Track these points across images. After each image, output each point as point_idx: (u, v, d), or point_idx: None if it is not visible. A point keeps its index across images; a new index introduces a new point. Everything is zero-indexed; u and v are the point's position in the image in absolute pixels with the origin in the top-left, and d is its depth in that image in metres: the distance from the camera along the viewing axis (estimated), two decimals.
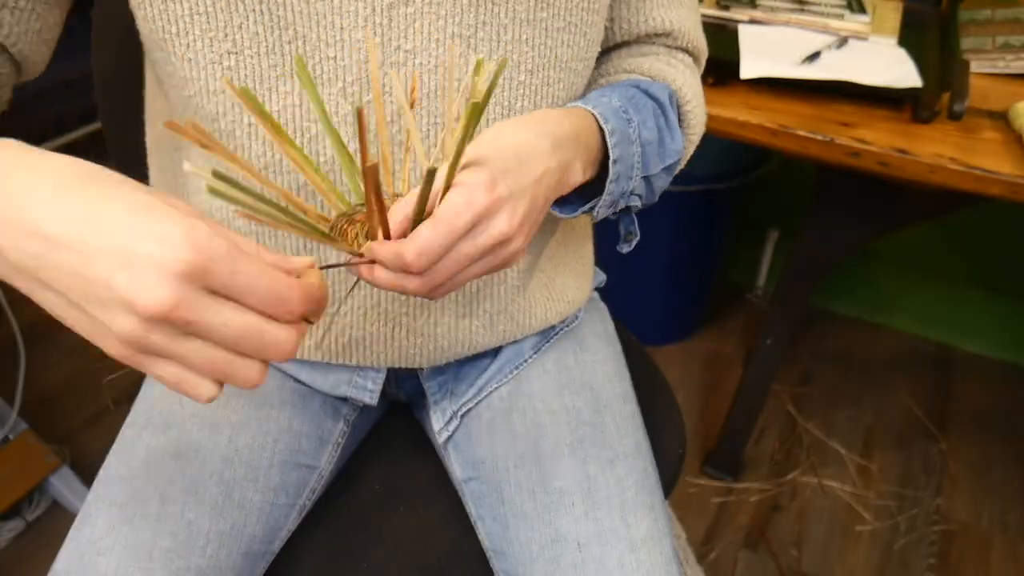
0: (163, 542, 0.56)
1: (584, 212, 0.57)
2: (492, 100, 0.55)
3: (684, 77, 0.62)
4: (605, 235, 0.79)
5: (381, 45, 0.51)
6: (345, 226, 0.45)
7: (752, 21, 1.11)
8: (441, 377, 0.69)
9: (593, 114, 0.53)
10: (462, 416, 0.68)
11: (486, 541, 0.65)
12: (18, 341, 1.18)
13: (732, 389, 1.36)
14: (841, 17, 1.10)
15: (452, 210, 0.42)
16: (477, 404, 0.68)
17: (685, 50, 0.66)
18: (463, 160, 0.44)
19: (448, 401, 0.69)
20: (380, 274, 0.44)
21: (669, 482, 0.74)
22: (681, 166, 0.63)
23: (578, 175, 0.52)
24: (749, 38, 1.06)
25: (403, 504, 0.70)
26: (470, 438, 0.67)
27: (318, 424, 0.68)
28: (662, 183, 0.60)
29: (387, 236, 0.43)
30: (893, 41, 1.07)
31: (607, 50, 0.65)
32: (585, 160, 0.52)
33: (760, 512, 1.40)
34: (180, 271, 0.31)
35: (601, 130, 0.53)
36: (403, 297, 0.60)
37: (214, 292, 0.33)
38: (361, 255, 0.44)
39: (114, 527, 0.56)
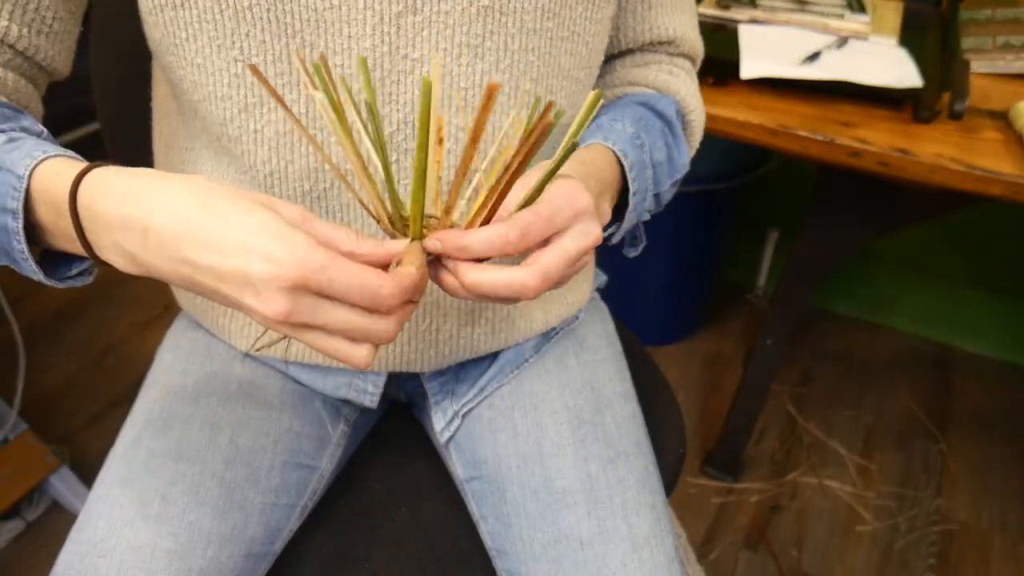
0: (164, 543, 0.56)
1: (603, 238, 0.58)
2: (496, 109, 0.55)
3: (687, 87, 0.63)
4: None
5: (389, 53, 0.51)
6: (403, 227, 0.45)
7: (752, 21, 1.11)
8: (442, 378, 0.69)
9: (615, 151, 0.55)
10: (463, 416, 0.68)
11: (488, 540, 0.65)
12: (18, 341, 1.18)
13: (732, 389, 1.36)
14: (841, 17, 1.10)
15: (555, 202, 0.43)
16: (478, 404, 0.68)
17: (685, 56, 0.67)
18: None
19: (449, 401, 0.69)
20: (472, 274, 0.43)
21: (670, 481, 0.74)
22: (684, 174, 0.65)
23: (606, 215, 0.54)
24: (749, 38, 1.06)
25: (404, 504, 0.70)
26: (472, 438, 0.67)
27: (319, 425, 0.68)
28: (669, 195, 0.62)
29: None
30: (893, 41, 1.07)
31: (610, 58, 0.66)
32: (610, 197, 0.55)
33: (760, 512, 1.40)
34: (287, 286, 0.37)
35: (620, 164, 0.55)
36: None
37: (321, 295, 0.38)
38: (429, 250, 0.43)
39: (115, 529, 0.56)
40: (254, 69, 0.41)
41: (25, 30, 0.50)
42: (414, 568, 0.65)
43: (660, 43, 0.64)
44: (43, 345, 1.59)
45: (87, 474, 1.31)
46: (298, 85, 0.52)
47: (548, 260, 0.44)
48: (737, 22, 1.11)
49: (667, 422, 0.79)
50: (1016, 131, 0.93)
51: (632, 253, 0.63)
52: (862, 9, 1.11)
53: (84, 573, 0.54)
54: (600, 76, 0.66)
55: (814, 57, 1.01)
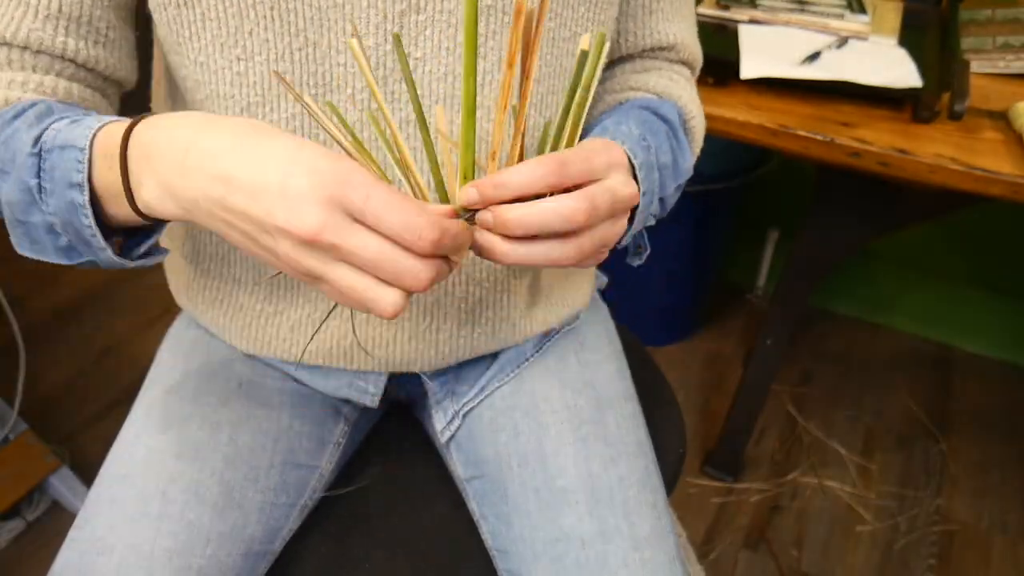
0: (164, 542, 0.56)
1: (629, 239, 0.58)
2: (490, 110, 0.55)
3: (687, 93, 0.63)
4: None
5: (391, 52, 0.52)
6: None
7: (752, 21, 1.11)
8: (442, 377, 0.69)
9: (624, 150, 0.53)
10: (464, 415, 0.68)
11: (489, 540, 0.65)
12: (18, 341, 1.18)
13: (732, 389, 1.37)
14: (841, 17, 1.10)
15: (590, 145, 0.43)
16: (479, 403, 0.68)
17: (684, 62, 0.67)
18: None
19: (450, 401, 0.69)
20: (516, 210, 0.41)
21: (670, 481, 0.74)
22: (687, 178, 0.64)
23: None
24: (749, 38, 1.06)
25: (404, 504, 0.70)
26: (472, 437, 0.67)
27: (319, 424, 0.68)
28: (673, 200, 0.61)
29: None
30: (893, 41, 1.07)
31: (611, 64, 0.66)
32: None
33: (760, 512, 1.40)
34: (325, 197, 0.36)
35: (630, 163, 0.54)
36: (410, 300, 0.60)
37: (355, 220, 0.37)
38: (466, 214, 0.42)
39: (115, 527, 0.56)
40: (279, 76, 0.41)
41: (82, 43, 0.52)
42: (414, 568, 0.65)
43: (660, 49, 0.65)
44: (43, 345, 1.59)
45: (87, 474, 1.31)
46: (300, 85, 0.52)
47: (595, 189, 0.42)
48: (737, 22, 1.11)
49: (667, 422, 0.79)
50: (1016, 131, 0.93)
51: (636, 262, 0.63)
52: (862, 9, 1.11)
53: (83, 571, 0.54)
54: (601, 82, 0.66)
55: (814, 57, 1.01)
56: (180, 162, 0.40)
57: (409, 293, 0.38)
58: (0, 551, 1.24)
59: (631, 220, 0.55)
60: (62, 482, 1.28)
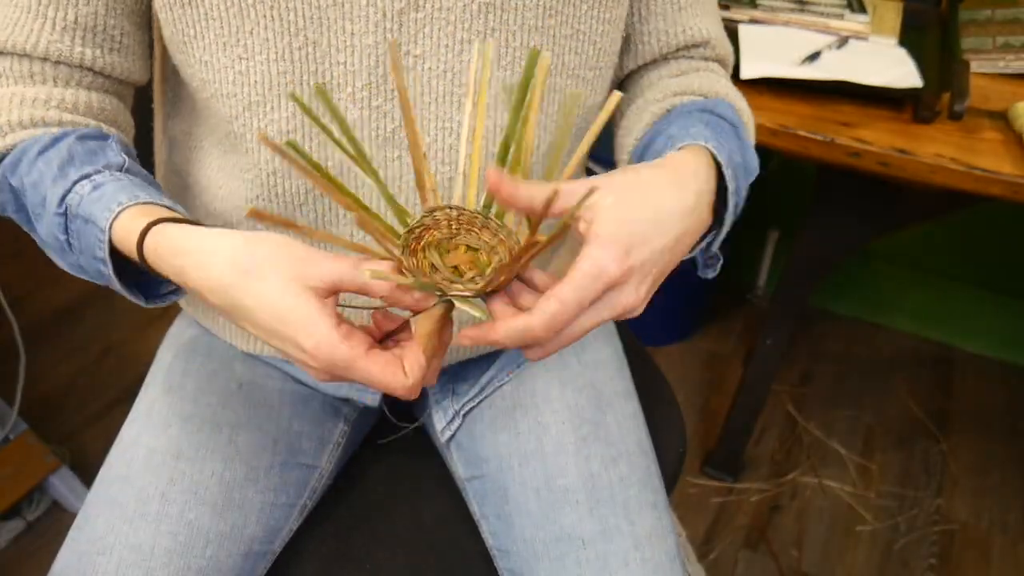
0: (163, 542, 0.56)
1: (701, 249, 0.55)
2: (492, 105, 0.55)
3: (732, 89, 0.61)
4: None
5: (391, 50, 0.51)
6: (414, 243, 0.43)
7: (752, 21, 1.11)
8: (443, 377, 0.69)
9: (709, 149, 0.51)
10: (464, 415, 0.68)
11: (490, 539, 0.65)
12: (18, 341, 1.18)
13: (732, 389, 1.37)
14: (841, 17, 1.10)
15: (581, 281, 0.41)
16: (479, 403, 0.68)
17: (717, 59, 0.65)
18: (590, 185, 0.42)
19: (450, 400, 0.69)
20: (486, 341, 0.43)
21: (670, 480, 0.74)
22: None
23: (708, 222, 0.50)
24: (749, 38, 1.06)
25: (405, 504, 0.70)
26: (473, 437, 0.67)
27: (319, 424, 0.68)
28: (743, 200, 0.58)
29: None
30: (893, 41, 1.07)
31: (643, 68, 0.64)
32: (711, 203, 0.51)
33: (760, 512, 1.40)
34: (319, 368, 0.42)
35: (716, 164, 0.51)
36: None
37: None
38: (440, 288, 0.43)
39: (114, 527, 0.56)
40: (264, 138, 0.41)
41: (99, 51, 0.53)
42: (414, 568, 0.65)
43: (694, 45, 0.63)
44: (43, 345, 1.59)
45: (87, 474, 1.31)
46: (300, 84, 0.52)
47: (555, 346, 0.43)
48: (737, 22, 1.11)
49: (667, 421, 0.79)
50: (1016, 131, 0.93)
51: (710, 274, 0.60)
52: (862, 9, 1.11)
53: (83, 571, 0.54)
54: (639, 93, 0.63)
55: (814, 57, 1.01)
56: (195, 291, 0.46)
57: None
58: (0, 551, 1.24)
59: (720, 225, 0.53)
60: (62, 482, 1.28)
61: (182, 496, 0.58)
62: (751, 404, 1.34)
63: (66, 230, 0.49)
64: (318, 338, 0.41)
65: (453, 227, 0.43)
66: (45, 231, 0.51)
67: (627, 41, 0.62)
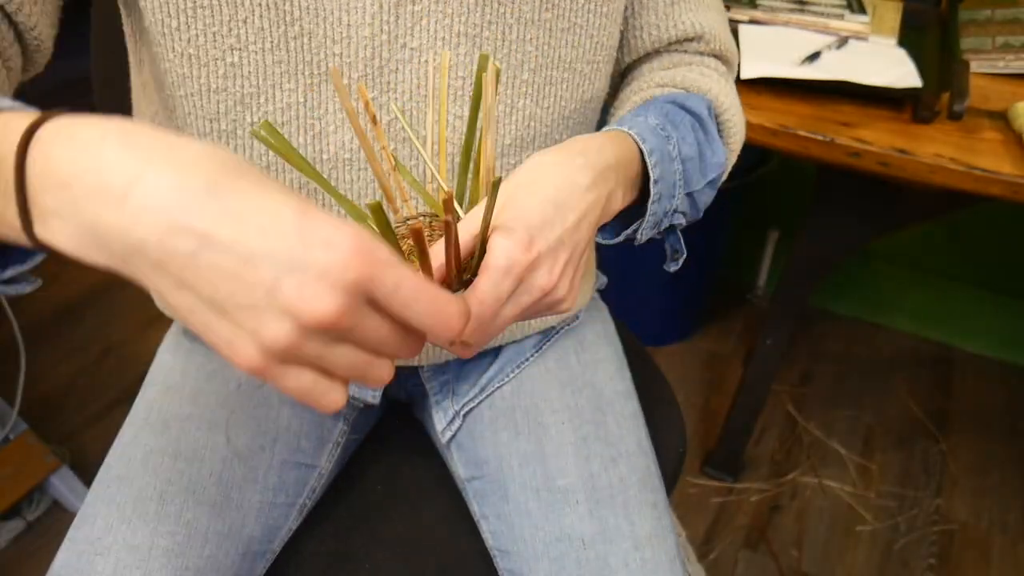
0: (162, 542, 0.56)
1: (627, 235, 0.56)
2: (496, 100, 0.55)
3: (719, 86, 0.61)
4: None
5: (387, 42, 0.51)
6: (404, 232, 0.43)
7: (752, 21, 1.11)
8: (443, 377, 0.69)
9: (631, 135, 0.52)
10: (464, 415, 0.68)
11: (490, 540, 0.65)
12: (18, 341, 1.18)
13: (732, 389, 1.37)
14: (841, 17, 1.10)
15: (495, 278, 0.40)
16: (479, 403, 0.68)
17: (716, 55, 0.64)
18: (497, 207, 0.43)
19: (450, 400, 0.69)
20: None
21: (670, 480, 0.74)
22: (724, 177, 0.61)
23: (618, 203, 0.50)
24: (749, 38, 1.06)
25: (404, 504, 0.70)
26: (473, 437, 0.67)
27: (318, 424, 0.68)
28: (707, 198, 0.59)
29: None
30: (893, 41, 1.07)
31: (638, 61, 0.64)
32: (626, 186, 0.51)
33: (760, 512, 1.40)
34: (350, 280, 0.29)
35: (640, 151, 0.52)
36: None
37: (372, 302, 0.31)
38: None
39: (112, 527, 0.56)
40: (268, 127, 0.38)
41: None
42: (414, 568, 0.65)
43: (686, 40, 0.62)
44: (43, 345, 1.59)
45: (87, 474, 1.31)
46: (295, 75, 0.51)
47: (480, 339, 0.42)
48: (737, 22, 1.11)
49: (667, 421, 0.79)
50: (1015, 131, 0.93)
51: (672, 267, 0.61)
52: (862, 9, 1.11)
53: (81, 571, 0.54)
54: (628, 83, 0.64)
55: (814, 57, 1.01)
56: (118, 200, 0.29)
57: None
58: (0, 551, 1.24)
59: (643, 213, 0.54)
60: (62, 482, 1.28)
61: (180, 496, 0.58)
62: (751, 404, 1.34)
63: None
64: (357, 228, 0.30)
65: (428, 234, 0.44)
66: None
67: (621, 35, 0.62)
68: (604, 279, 0.81)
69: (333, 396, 0.33)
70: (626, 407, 0.68)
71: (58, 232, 0.31)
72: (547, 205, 0.43)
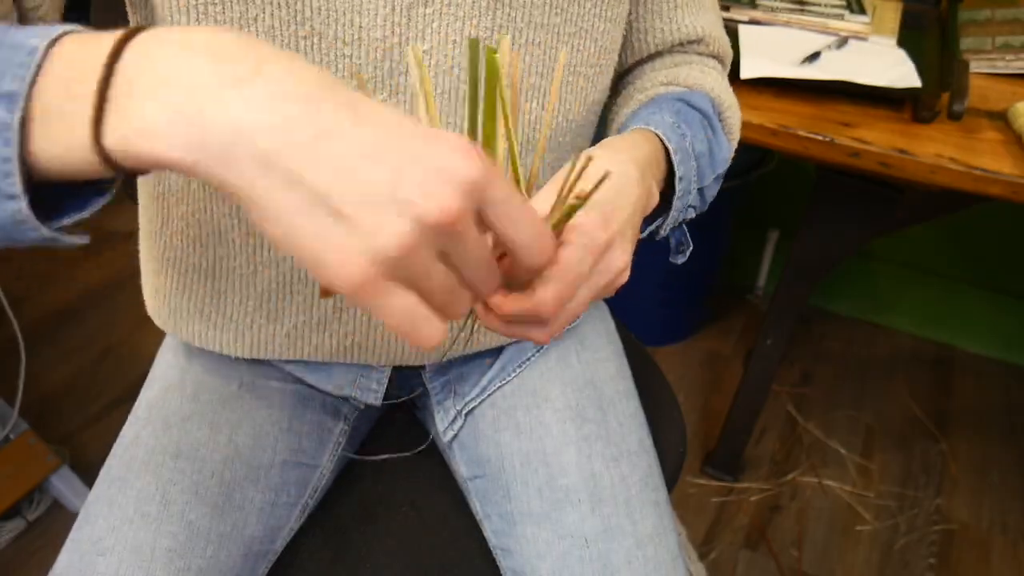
0: (164, 542, 0.56)
1: (651, 231, 0.57)
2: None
3: (719, 84, 0.63)
4: None
5: (399, 44, 0.51)
6: None
7: (752, 21, 1.11)
8: (444, 377, 0.69)
9: (657, 134, 0.54)
10: (466, 415, 0.68)
11: (492, 539, 0.65)
12: (18, 341, 1.18)
13: (732, 389, 1.37)
14: (841, 17, 1.10)
15: (577, 255, 0.40)
16: (481, 403, 0.68)
17: (714, 56, 0.66)
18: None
19: (452, 400, 0.69)
20: (496, 322, 0.41)
21: (670, 481, 0.74)
22: (725, 170, 0.63)
23: (656, 199, 0.51)
24: (749, 38, 1.06)
25: (406, 503, 0.70)
26: (475, 437, 0.67)
27: (319, 423, 0.68)
28: (713, 192, 0.61)
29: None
30: (893, 41, 1.07)
31: (640, 62, 0.66)
32: (658, 182, 0.53)
33: (760, 512, 1.40)
34: (472, 181, 0.29)
35: (665, 149, 0.54)
36: None
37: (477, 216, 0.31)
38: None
39: (114, 527, 0.56)
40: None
41: None
42: (416, 568, 0.65)
43: (689, 42, 0.64)
44: (43, 345, 1.59)
45: (87, 474, 1.31)
46: None
47: (563, 319, 0.42)
48: (737, 22, 1.11)
49: (667, 422, 0.79)
50: (1015, 131, 0.93)
51: (680, 259, 0.62)
52: (862, 9, 1.11)
53: (84, 572, 0.54)
54: (631, 82, 0.66)
55: (814, 57, 1.01)
56: (235, 83, 0.28)
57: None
58: (0, 551, 1.24)
59: (668, 208, 0.56)
60: (62, 482, 1.28)
61: (182, 496, 0.58)
62: (751, 404, 1.34)
63: None
64: (472, 143, 0.30)
65: None
66: None
67: (625, 37, 0.63)
68: None
69: (433, 326, 0.31)
70: (628, 406, 0.68)
71: (143, 118, 0.29)
72: (610, 190, 0.44)
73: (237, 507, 0.60)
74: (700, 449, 1.49)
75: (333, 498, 0.70)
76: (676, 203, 0.55)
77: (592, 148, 0.49)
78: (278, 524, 0.63)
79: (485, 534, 0.66)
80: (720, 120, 0.63)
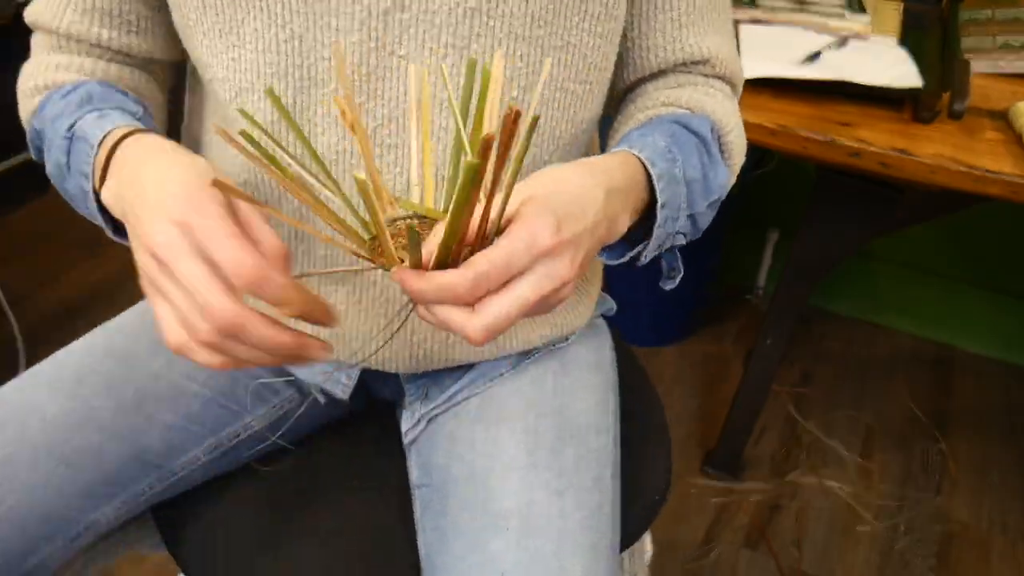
0: (53, 409, 0.60)
1: (631, 256, 0.56)
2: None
3: (723, 107, 0.61)
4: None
5: (375, 49, 0.52)
6: (380, 249, 0.43)
7: (752, 21, 1.11)
8: (420, 380, 0.68)
9: (639, 158, 0.52)
10: (428, 421, 0.66)
11: (422, 551, 0.62)
12: (18, 341, 1.18)
13: (732, 389, 1.36)
14: (841, 17, 1.10)
15: (513, 245, 0.40)
16: (445, 411, 0.66)
17: (721, 77, 0.64)
18: (517, 193, 0.43)
19: (420, 404, 0.67)
20: (424, 311, 0.42)
21: (642, 521, 0.71)
22: (723, 197, 0.61)
23: (623, 226, 0.50)
24: (749, 38, 1.06)
25: (352, 497, 0.69)
26: (432, 444, 0.65)
27: (267, 386, 0.68)
28: (707, 219, 0.59)
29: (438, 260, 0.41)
30: (893, 41, 1.07)
31: (643, 80, 0.64)
32: (631, 211, 0.51)
33: (760, 512, 1.40)
34: (176, 217, 0.41)
35: (648, 173, 0.52)
36: (384, 298, 0.59)
37: (196, 249, 0.41)
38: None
39: (21, 388, 0.62)
40: (271, 94, 0.46)
41: (115, 32, 0.59)
42: (344, 564, 0.64)
43: (694, 63, 0.62)
44: (43, 345, 1.58)
45: None
46: (285, 76, 0.53)
47: (496, 309, 0.41)
48: (737, 22, 1.11)
49: (654, 447, 0.75)
50: (1016, 131, 0.93)
51: (669, 285, 0.60)
52: (862, 9, 1.11)
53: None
54: (632, 100, 0.64)
55: (814, 57, 1.01)
56: (130, 175, 0.47)
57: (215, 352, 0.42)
58: None
59: (648, 235, 0.54)
60: None
61: (95, 383, 0.62)
62: (751, 404, 1.34)
63: (68, 152, 0.53)
64: (196, 184, 0.43)
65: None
66: (53, 159, 0.55)
67: (627, 54, 0.62)
68: (612, 305, 0.77)
69: (171, 335, 0.43)
70: (594, 441, 0.64)
71: (106, 191, 0.50)
72: (572, 202, 0.44)
73: (144, 416, 0.62)
74: (700, 449, 1.49)
75: (284, 473, 0.70)
76: (657, 231, 0.53)
77: (564, 166, 0.48)
78: (180, 446, 0.64)
79: (418, 545, 0.63)
80: (721, 145, 0.60)
